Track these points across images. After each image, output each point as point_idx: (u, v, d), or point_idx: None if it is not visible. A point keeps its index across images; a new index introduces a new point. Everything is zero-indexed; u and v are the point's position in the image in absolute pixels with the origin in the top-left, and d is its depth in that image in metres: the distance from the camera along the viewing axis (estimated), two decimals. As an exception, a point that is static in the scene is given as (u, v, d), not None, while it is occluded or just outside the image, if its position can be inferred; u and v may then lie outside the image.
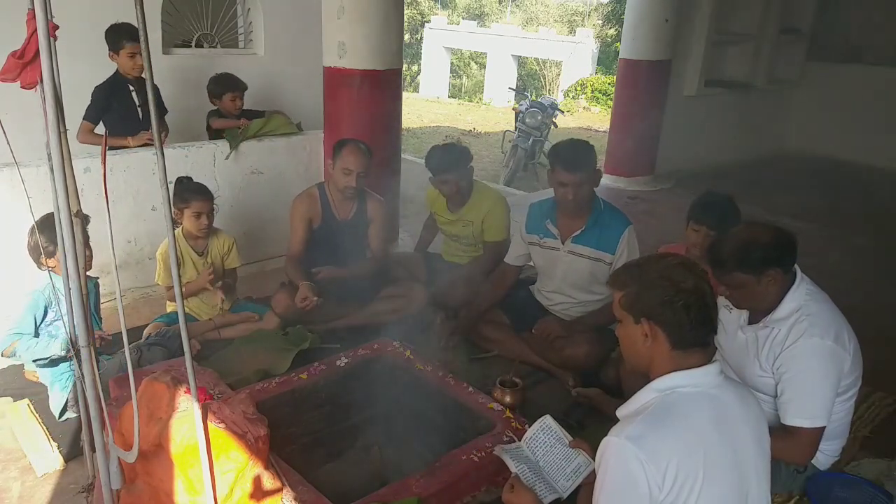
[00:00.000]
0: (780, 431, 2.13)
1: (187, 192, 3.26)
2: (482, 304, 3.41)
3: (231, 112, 4.32)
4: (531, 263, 3.37)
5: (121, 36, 3.77)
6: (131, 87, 3.93)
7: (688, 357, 1.59)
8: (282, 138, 4.31)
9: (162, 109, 4.17)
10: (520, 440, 2.13)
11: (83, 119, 3.84)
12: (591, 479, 1.91)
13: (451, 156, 3.60)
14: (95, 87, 3.87)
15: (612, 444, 1.51)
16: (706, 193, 3.04)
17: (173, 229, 1.57)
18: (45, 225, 2.34)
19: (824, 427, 2.13)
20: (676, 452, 1.48)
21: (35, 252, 2.72)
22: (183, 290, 3.21)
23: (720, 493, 1.52)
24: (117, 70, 3.90)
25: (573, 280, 3.16)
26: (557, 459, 2.01)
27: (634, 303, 1.62)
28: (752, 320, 2.29)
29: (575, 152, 2.98)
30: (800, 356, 2.12)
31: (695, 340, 1.59)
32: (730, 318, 2.34)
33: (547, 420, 2.09)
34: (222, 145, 4.07)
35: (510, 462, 1.97)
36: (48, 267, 2.68)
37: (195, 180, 3.38)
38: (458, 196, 3.65)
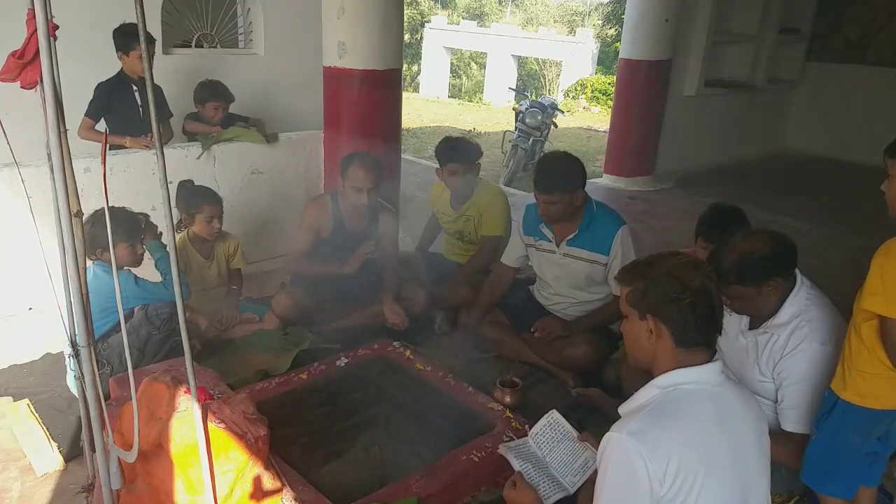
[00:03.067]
0: (780, 437, 2.12)
1: (197, 198, 3.25)
2: (480, 307, 3.38)
3: (210, 120, 4.22)
4: (529, 264, 3.37)
5: (132, 38, 3.77)
6: (135, 88, 3.93)
7: (691, 355, 1.59)
8: (282, 137, 4.31)
9: (166, 112, 4.17)
10: (523, 437, 2.13)
11: (84, 115, 3.85)
12: (593, 476, 1.92)
13: (462, 147, 3.64)
14: (98, 84, 3.87)
15: (614, 440, 1.51)
16: (714, 207, 2.97)
17: (174, 229, 1.57)
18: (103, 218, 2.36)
19: None
20: (678, 448, 1.48)
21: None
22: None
23: (721, 489, 1.52)
24: (121, 69, 3.91)
25: (570, 281, 3.16)
26: (564, 454, 2.02)
27: (641, 299, 1.62)
28: (753, 325, 2.28)
29: (549, 173, 2.95)
30: (800, 363, 2.12)
31: (699, 339, 1.59)
32: (730, 322, 2.33)
33: (554, 415, 2.09)
34: (223, 146, 4.07)
35: (513, 460, 1.97)
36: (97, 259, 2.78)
37: (195, 182, 3.37)
38: (464, 190, 3.66)
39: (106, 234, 2.54)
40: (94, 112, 3.87)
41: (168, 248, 1.58)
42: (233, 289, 3.51)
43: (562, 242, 3.10)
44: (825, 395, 2.06)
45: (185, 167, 3.83)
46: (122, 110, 3.92)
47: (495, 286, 3.39)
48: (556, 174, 2.94)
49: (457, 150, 3.61)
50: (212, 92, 4.23)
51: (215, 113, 4.22)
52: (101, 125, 3.93)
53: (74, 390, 2.82)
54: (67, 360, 2.85)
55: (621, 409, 1.65)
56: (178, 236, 3.31)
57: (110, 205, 1.64)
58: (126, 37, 3.80)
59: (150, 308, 2.88)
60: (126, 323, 2.81)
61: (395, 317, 3.37)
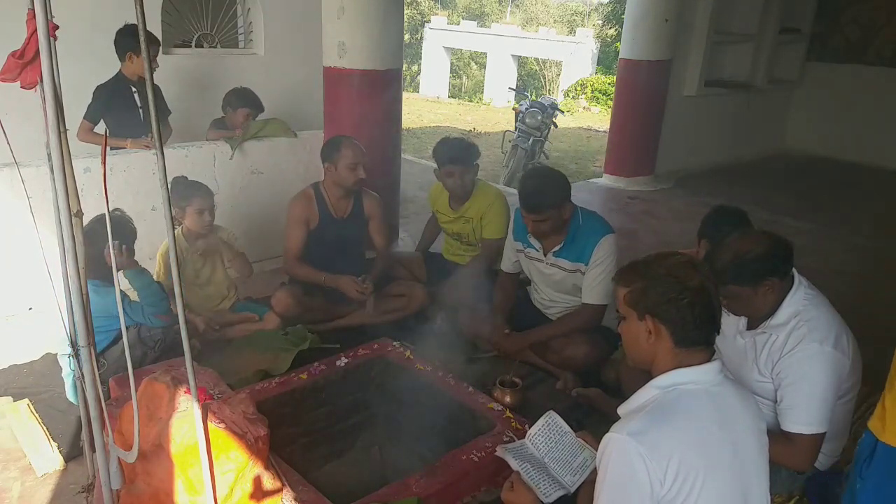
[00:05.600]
0: (780, 437, 2.12)
1: (188, 190, 3.26)
2: (497, 315, 3.30)
3: (236, 126, 4.25)
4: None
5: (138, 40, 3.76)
6: (134, 89, 3.94)
7: (690, 355, 1.59)
8: (282, 138, 4.31)
9: (165, 110, 4.17)
10: (522, 439, 2.13)
11: (83, 118, 3.85)
12: (592, 476, 1.91)
13: (459, 148, 3.63)
14: (97, 87, 3.87)
15: (614, 440, 1.51)
16: (717, 209, 2.97)
17: (173, 229, 1.57)
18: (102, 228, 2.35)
19: (825, 433, 2.12)
20: (678, 448, 1.48)
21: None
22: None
23: (721, 489, 1.52)
24: (120, 71, 3.91)
25: (560, 288, 3.17)
26: (563, 454, 2.01)
27: (639, 299, 1.62)
28: (751, 326, 2.27)
29: (535, 192, 2.92)
30: (799, 363, 2.11)
31: (698, 339, 1.59)
32: (728, 323, 2.32)
33: (552, 415, 2.09)
34: (222, 146, 4.07)
35: (512, 460, 1.97)
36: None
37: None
38: (461, 191, 3.66)
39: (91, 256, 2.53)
40: (93, 115, 3.87)
41: (170, 255, 1.57)
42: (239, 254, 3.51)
43: (549, 253, 3.10)
44: (863, 436, 1.92)
45: (185, 167, 3.82)
46: (122, 112, 3.91)
47: (503, 294, 3.35)
48: (542, 192, 2.92)
49: (454, 152, 3.60)
50: (243, 99, 4.26)
51: (245, 119, 4.22)
52: (101, 126, 3.93)
53: (71, 396, 2.81)
54: (67, 360, 2.85)
55: (621, 410, 1.65)
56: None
57: (100, 213, 1.64)
58: (135, 38, 3.79)
59: (143, 329, 2.85)
60: (117, 343, 2.83)
61: (354, 288, 3.40)
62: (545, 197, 2.91)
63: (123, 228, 2.84)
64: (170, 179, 3.00)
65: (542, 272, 3.18)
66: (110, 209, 1.69)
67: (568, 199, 2.97)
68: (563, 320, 3.14)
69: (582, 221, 3.06)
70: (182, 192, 3.25)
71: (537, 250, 3.14)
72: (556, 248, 3.07)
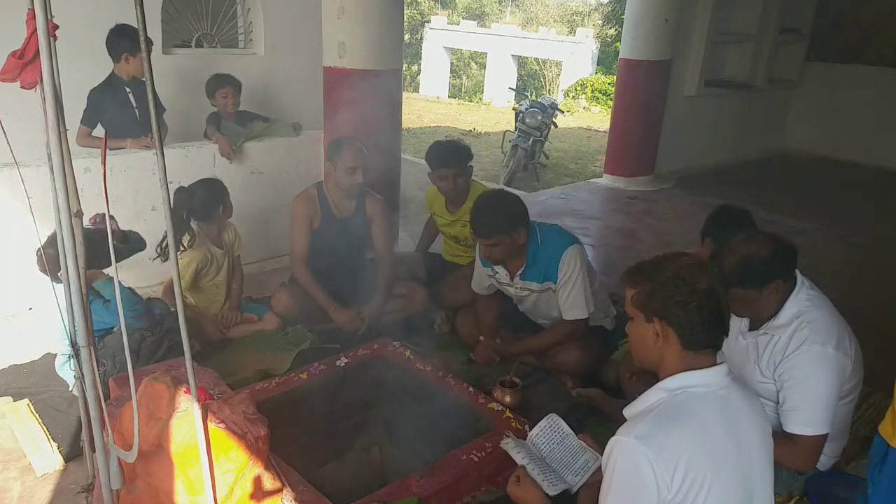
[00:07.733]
0: (782, 438, 2.11)
1: (225, 195, 3.36)
2: (486, 332, 3.28)
3: (225, 110, 4.24)
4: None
5: (137, 41, 3.76)
6: (127, 89, 3.94)
7: (698, 358, 1.58)
8: (282, 138, 4.31)
9: (159, 108, 4.17)
10: (523, 439, 2.13)
11: (80, 123, 3.85)
12: (594, 479, 1.91)
13: (451, 151, 3.59)
14: (91, 90, 3.87)
15: (621, 444, 1.50)
16: (722, 208, 2.96)
17: (174, 230, 1.57)
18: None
19: (827, 434, 2.12)
20: (685, 452, 1.47)
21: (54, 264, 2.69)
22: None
23: (726, 492, 1.51)
24: (113, 72, 3.91)
25: (541, 311, 3.13)
26: (564, 456, 2.01)
27: (647, 301, 1.60)
28: (753, 326, 2.28)
29: (485, 216, 2.84)
30: (801, 364, 2.11)
31: (706, 342, 1.58)
32: (730, 323, 2.32)
33: (554, 417, 2.09)
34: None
35: (516, 455, 1.97)
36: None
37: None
38: (456, 194, 3.64)
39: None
40: (89, 119, 3.87)
41: (171, 255, 1.57)
42: (233, 287, 3.51)
43: (515, 276, 3.04)
44: (874, 441, 1.93)
45: (185, 167, 3.83)
46: (119, 112, 3.91)
47: (486, 311, 3.29)
48: (493, 216, 2.84)
49: (445, 155, 3.56)
50: (219, 81, 4.26)
51: (225, 100, 4.22)
52: (100, 129, 3.92)
53: (60, 370, 2.82)
54: (66, 359, 2.85)
55: (627, 412, 1.63)
56: (189, 238, 3.29)
57: (101, 211, 1.64)
58: (130, 39, 3.78)
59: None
60: (107, 338, 2.83)
61: (350, 323, 3.35)
62: (491, 223, 2.83)
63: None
64: (171, 180, 3.00)
65: (516, 295, 3.13)
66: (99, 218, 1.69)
67: (521, 226, 2.87)
68: (548, 332, 3.09)
69: (541, 242, 2.96)
70: (222, 198, 3.36)
71: (504, 276, 3.08)
72: (520, 270, 3.00)
